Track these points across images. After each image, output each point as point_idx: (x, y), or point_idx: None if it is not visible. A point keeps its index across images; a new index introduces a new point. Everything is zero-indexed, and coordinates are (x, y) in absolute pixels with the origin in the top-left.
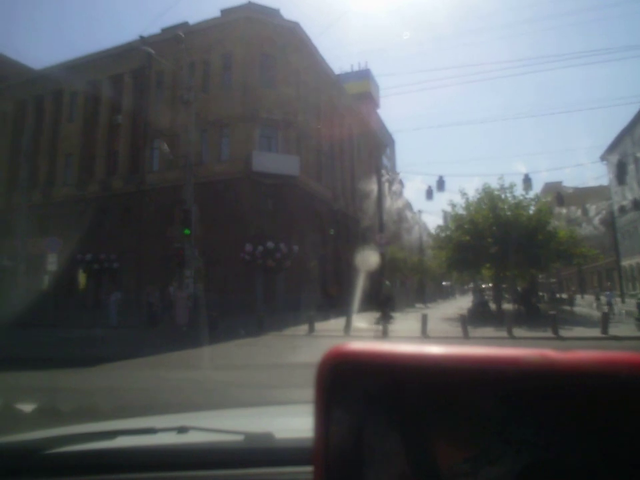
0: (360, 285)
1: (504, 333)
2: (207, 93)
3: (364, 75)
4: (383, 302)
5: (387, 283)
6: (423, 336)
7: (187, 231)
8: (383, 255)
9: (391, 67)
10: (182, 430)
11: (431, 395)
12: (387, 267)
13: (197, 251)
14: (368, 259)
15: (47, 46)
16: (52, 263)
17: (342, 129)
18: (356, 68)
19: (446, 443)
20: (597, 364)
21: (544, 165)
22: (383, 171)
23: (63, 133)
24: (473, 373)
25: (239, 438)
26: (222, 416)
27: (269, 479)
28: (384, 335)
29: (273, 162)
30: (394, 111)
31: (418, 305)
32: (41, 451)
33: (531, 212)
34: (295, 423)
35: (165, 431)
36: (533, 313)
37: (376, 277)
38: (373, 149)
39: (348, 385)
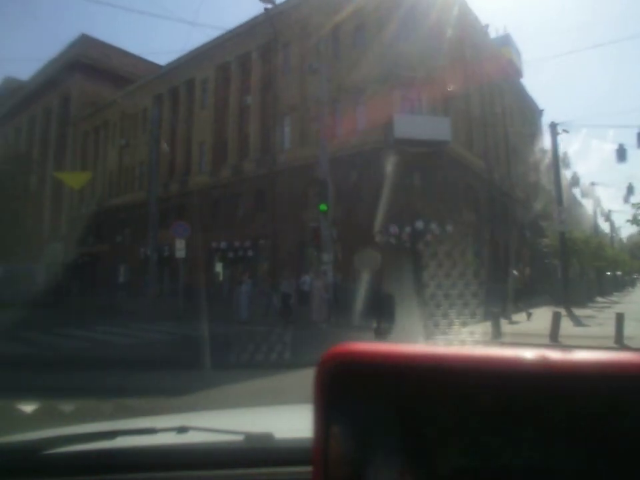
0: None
1: None
2: (338, 59)
3: (504, 42)
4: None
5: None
6: None
7: (323, 207)
8: (562, 234)
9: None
10: (182, 430)
11: (430, 394)
12: (568, 251)
13: (335, 232)
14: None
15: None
16: (180, 250)
17: (492, 90)
18: (493, 35)
19: (445, 443)
20: (598, 365)
21: None
22: (560, 130)
23: (196, 122)
24: (473, 373)
25: (239, 438)
26: (222, 416)
27: (268, 479)
28: (618, 345)
29: (419, 126)
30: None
31: (600, 300)
32: (41, 450)
33: None
34: (295, 423)
35: (164, 431)
36: None
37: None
38: (528, 114)
39: (348, 385)
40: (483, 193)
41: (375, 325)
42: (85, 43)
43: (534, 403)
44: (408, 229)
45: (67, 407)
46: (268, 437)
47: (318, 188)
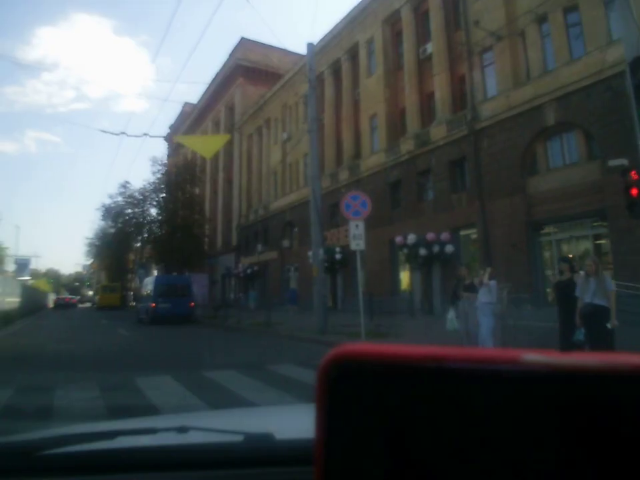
0: None
1: None
2: None
3: None
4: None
5: None
6: None
7: None
8: None
9: None
10: (182, 430)
11: (432, 395)
12: None
13: None
14: None
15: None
16: (357, 239)
17: None
18: None
19: (446, 443)
20: (599, 366)
21: None
22: None
23: (363, 93)
24: (474, 374)
25: (239, 438)
26: (222, 416)
27: (268, 478)
28: None
29: None
30: None
31: None
32: (41, 450)
33: None
34: (296, 423)
35: (164, 431)
36: None
37: None
38: None
39: (349, 385)
40: None
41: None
42: (245, 46)
43: (535, 403)
44: None
45: None
46: (268, 437)
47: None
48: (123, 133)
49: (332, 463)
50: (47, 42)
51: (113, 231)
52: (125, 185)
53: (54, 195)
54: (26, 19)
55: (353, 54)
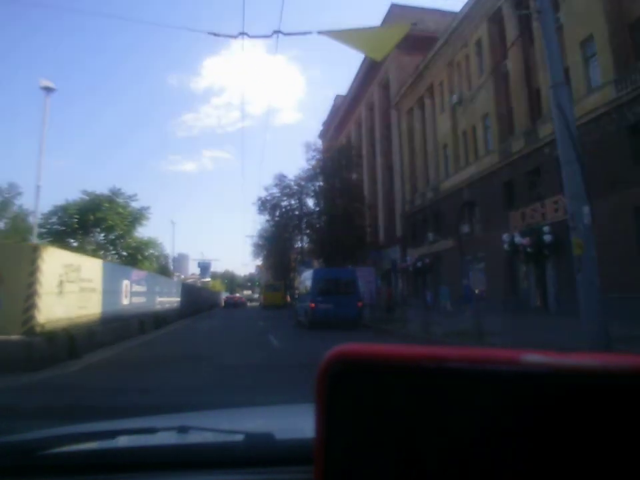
0: None
1: None
2: None
3: None
4: None
5: None
6: None
7: None
8: None
9: None
10: (182, 430)
11: (432, 395)
12: None
13: None
14: None
15: None
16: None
17: None
18: None
19: (446, 443)
20: (599, 366)
21: None
22: None
23: (567, 16)
24: (474, 373)
25: (239, 438)
26: (222, 416)
27: (268, 478)
28: None
29: None
30: None
31: None
32: (41, 450)
33: None
34: (296, 423)
35: (164, 431)
36: None
37: None
38: None
39: (349, 385)
40: None
41: None
42: (396, 13)
43: (535, 403)
44: None
45: None
46: (268, 437)
47: None
48: (244, 33)
49: (332, 462)
50: (213, 70)
51: (271, 224)
52: (280, 178)
53: (228, 205)
54: (194, 53)
55: (495, 20)
